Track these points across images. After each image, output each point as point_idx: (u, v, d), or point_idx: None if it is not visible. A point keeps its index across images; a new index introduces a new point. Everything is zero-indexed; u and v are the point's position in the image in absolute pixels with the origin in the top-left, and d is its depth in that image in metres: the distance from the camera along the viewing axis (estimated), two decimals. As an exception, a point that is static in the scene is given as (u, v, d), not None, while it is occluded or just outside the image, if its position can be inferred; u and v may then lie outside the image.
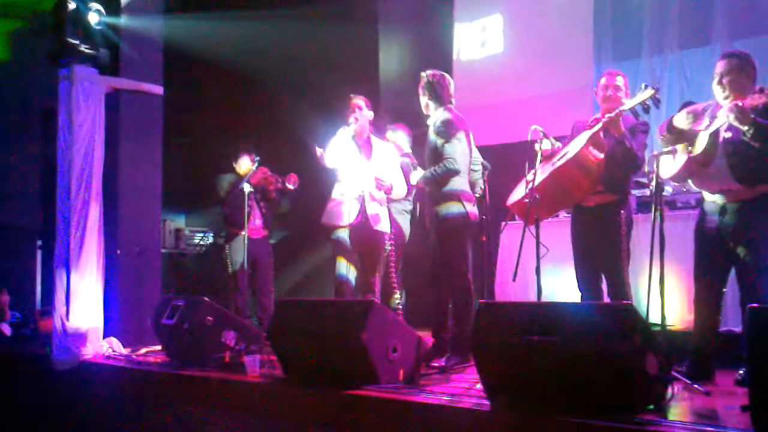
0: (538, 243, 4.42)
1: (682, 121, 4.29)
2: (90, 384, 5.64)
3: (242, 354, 4.95)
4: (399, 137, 6.40)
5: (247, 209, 6.48)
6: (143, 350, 6.04)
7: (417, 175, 5.24)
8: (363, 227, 5.51)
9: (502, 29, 8.47)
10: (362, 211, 5.51)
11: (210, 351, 5.15)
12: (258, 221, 6.87)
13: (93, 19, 6.18)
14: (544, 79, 7.86)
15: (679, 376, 3.90)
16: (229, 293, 6.78)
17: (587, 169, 4.56)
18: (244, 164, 6.92)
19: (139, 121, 6.80)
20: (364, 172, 5.54)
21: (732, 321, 4.65)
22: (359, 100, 5.64)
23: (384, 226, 5.60)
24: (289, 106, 8.15)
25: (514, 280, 4.58)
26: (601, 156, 4.57)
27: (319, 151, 5.52)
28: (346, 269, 5.52)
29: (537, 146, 4.67)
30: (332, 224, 5.56)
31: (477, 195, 5.21)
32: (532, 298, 4.59)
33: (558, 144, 4.83)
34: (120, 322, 6.29)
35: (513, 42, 8.31)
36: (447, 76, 5.32)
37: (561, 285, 5.48)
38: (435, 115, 5.23)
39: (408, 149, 6.28)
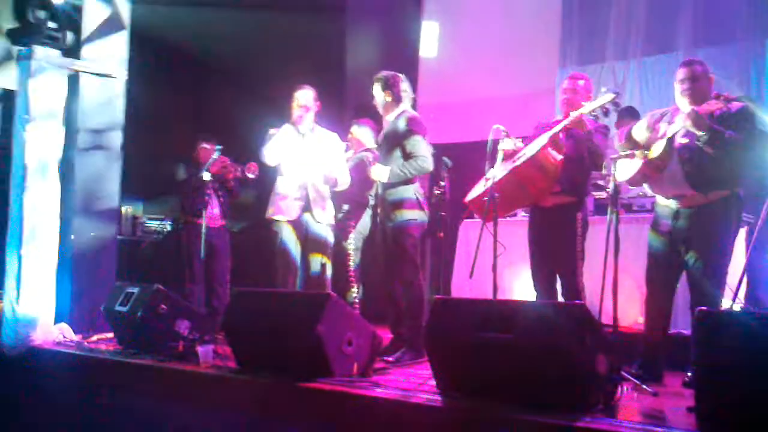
0: (495, 241, 4.46)
1: (640, 133, 4.34)
2: (40, 371, 5.54)
3: (195, 344, 4.90)
4: (364, 132, 6.40)
5: (205, 198, 6.42)
6: (95, 337, 5.95)
7: (383, 171, 5.18)
8: (307, 220, 5.54)
9: (471, 28, 8.50)
10: (306, 203, 5.53)
11: (163, 340, 5.10)
12: (216, 210, 6.79)
13: (56, -1, 6.07)
14: (509, 80, 7.92)
15: (629, 377, 3.96)
16: (184, 282, 6.71)
17: (545, 169, 4.61)
18: (204, 152, 6.85)
19: (100, 106, 6.68)
20: (308, 164, 5.55)
21: (682, 323, 4.73)
22: (305, 92, 5.63)
23: (328, 218, 5.63)
24: (253, 96, 8.09)
25: (470, 277, 4.62)
26: (560, 157, 4.62)
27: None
28: (290, 240, 5.53)
29: (499, 145, 4.72)
30: (277, 218, 5.56)
31: (437, 192, 5.23)
32: (488, 295, 4.62)
33: (520, 144, 4.88)
34: (72, 308, 6.18)
35: (480, 41, 8.33)
36: (402, 75, 5.35)
37: (517, 283, 5.53)
38: (396, 114, 5.26)
39: (372, 144, 6.27)
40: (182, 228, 6.88)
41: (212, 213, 6.70)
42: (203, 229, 6.28)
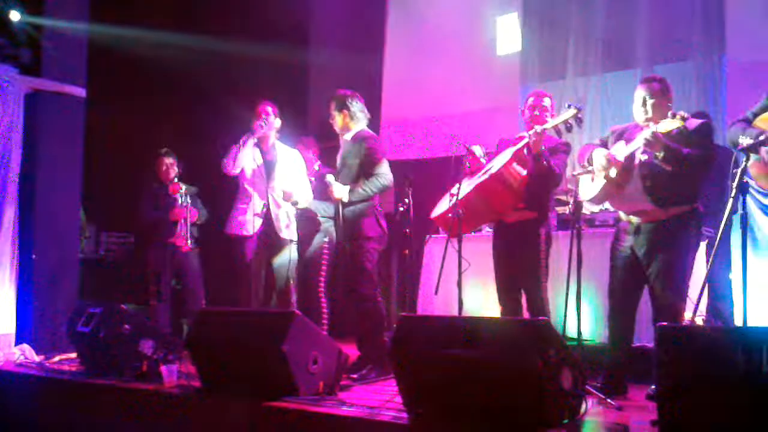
0: (460, 257, 4.48)
1: (598, 162, 4.38)
2: (0, 392, 5.45)
3: (159, 363, 4.85)
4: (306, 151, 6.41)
5: (172, 216, 6.40)
6: (57, 358, 5.86)
7: (344, 190, 5.17)
8: (268, 235, 5.55)
9: (432, 45, 8.53)
10: (267, 219, 5.54)
11: (126, 360, 5.03)
12: (182, 228, 6.73)
13: (14, 16, 6.01)
14: (471, 97, 7.97)
15: (594, 391, 4.00)
16: (148, 300, 6.63)
17: (510, 185, 4.65)
18: (165, 167, 6.82)
19: (60, 123, 6.59)
20: (269, 180, 5.56)
21: (645, 337, 4.77)
22: (267, 106, 5.64)
23: (289, 234, 5.63)
24: (214, 117, 8.02)
25: (435, 293, 4.63)
26: (524, 173, 4.66)
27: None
28: (253, 256, 5.54)
29: (463, 160, 4.75)
30: (237, 233, 5.56)
31: (401, 209, 5.25)
32: (454, 311, 4.64)
33: (483, 160, 4.91)
34: (34, 328, 6.09)
35: (441, 58, 8.38)
36: (357, 94, 5.38)
37: (482, 299, 5.56)
38: (353, 133, 5.28)
39: (313, 162, 6.32)
40: (149, 246, 6.80)
41: (179, 231, 6.63)
42: (170, 247, 6.23)
